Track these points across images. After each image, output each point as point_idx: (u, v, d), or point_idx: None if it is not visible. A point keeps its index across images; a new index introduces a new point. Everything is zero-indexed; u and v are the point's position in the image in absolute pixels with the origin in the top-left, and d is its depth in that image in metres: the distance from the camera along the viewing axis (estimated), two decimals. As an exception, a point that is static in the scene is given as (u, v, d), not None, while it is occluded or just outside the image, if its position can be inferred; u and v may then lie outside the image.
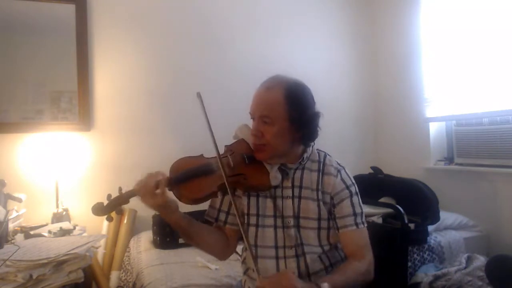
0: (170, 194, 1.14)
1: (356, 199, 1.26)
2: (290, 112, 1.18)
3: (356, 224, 1.23)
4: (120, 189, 1.15)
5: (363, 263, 1.19)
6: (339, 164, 1.31)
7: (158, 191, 1.09)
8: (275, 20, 3.17)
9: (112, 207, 1.14)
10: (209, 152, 1.24)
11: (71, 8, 2.61)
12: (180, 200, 1.15)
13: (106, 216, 1.17)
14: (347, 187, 1.25)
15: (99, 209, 1.14)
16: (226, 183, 1.14)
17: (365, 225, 1.26)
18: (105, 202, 1.15)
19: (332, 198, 1.25)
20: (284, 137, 1.19)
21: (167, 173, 1.18)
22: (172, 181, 1.14)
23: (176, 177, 1.16)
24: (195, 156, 1.26)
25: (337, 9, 3.38)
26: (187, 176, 1.16)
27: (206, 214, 1.33)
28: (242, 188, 1.24)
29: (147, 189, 1.09)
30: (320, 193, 1.24)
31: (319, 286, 1.05)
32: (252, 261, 1.26)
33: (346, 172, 1.29)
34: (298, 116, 1.18)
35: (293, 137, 1.21)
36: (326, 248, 1.26)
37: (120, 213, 1.20)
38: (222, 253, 1.33)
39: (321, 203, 1.24)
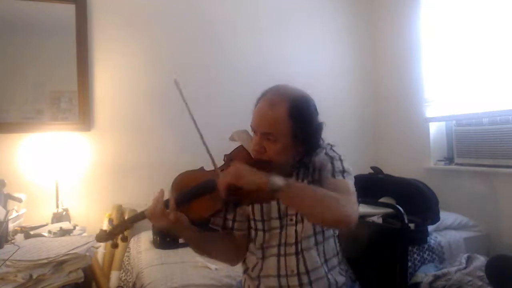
0: None
1: (338, 163, 1.20)
2: (294, 129, 1.15)
3: (333, 175, 1.15)
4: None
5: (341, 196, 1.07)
6: (329, 143, 1.27)
7: (168, 210, 1.08)
8: (275, 21, 3.16)
9: (115, 234, 1.14)
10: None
11: (71, 8, 2.61)
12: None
13: (111, 243, 1.16)
14: (330, 158, 1.21)
15: (102, 237, 1.14)
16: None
17: (347, 179, 1.16)
18: (108, 228, 1.15)
19: (319, 171, 1.22)
20: (286, 153, 1.18)
21: (164, 183, 1.18)
22: (176, 202, 1.13)
23: (180, 197, 1.14)
24: (196, 170, 1.23)
25: (337, 9, 3.38)
26: (190, 197, 1.14)
27: (212, 222, 1.31)
28: (246, 202, 1.21)
29: (156, 212, 1.09)
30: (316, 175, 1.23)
31: (267, 176, 1.00)
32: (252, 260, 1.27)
33: (332, 149, 1.25)
34: (301, 132, 1.16)
35: (296, 151, 1.20)
36: (319, 235, 1.24)
37: (125, 240, 1.19)
38: (234, 259, 1.33)
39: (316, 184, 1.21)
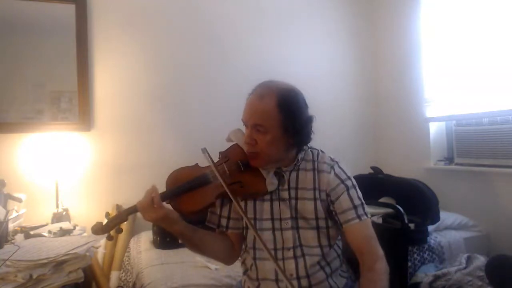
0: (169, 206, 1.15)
1: (354, 192, 1.24)
2: (283, 120, 1.17)
3: (359, 217, 1.21)
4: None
5: (374, 266, 1.16)
6: (332, 159, 1.29)
7: (155, 205, 1.10)
8: (275, 21, 3.17)
9: (111, 226, 1.15)
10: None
11: (71, 8, 2.61)
12: (179, 213, 1.16)
13: (106, 235, 1.17)
14: (342, 182, 1.24)
15: (98, 229, 1.14)
16: (228, 192, 1.14)
17: (368, 216, 1.23)
18: (104, 221, 1.15)
19: (328, 195, 1.24)
20: (277, 145, 1.19)
21: (164, 183, 1.19)
22: (169, 195, 1.15)
23: (172, 191, 1.16)
24: (191, 166, 1.27)
25: (337, 9, 3.38)
26: (184, 189, 1.17)
27: (208, 220, 1.32)
28: (240, 196, 1.23)
29: (145, 205, 1.11)
30: (317, 191, 1.24)
31: None
32: (252, 261, 1.27)
33: (339, 167, 1.27)
34: (291, 124, 1.18)
35: (287, 144, 1.21)
36: (326, 249, 1.25)
37: (120, 231, 1.20)
38: (228, 258, 1.33)
39: (318, 201, 1.23)
